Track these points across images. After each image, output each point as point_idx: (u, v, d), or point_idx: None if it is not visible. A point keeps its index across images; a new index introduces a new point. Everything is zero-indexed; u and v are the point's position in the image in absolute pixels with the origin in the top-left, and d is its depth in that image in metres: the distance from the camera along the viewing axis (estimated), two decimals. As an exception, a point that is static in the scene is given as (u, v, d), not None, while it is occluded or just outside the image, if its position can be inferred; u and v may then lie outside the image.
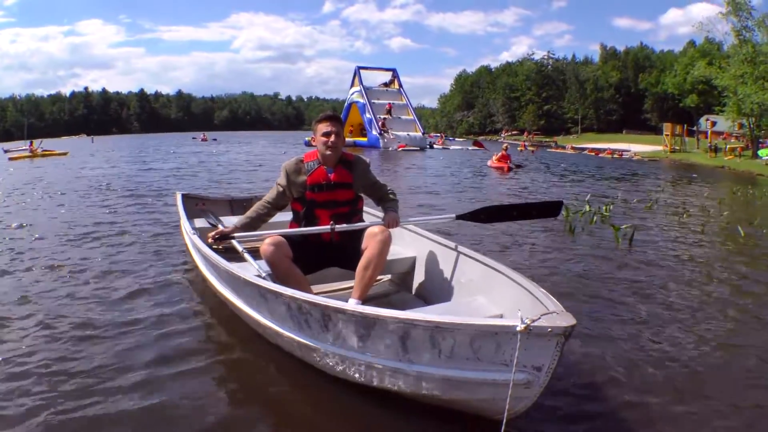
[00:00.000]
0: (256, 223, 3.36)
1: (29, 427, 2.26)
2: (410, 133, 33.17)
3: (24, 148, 26.64)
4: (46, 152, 24.19)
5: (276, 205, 3.36)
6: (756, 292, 4.33)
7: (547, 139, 55.83)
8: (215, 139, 44.60)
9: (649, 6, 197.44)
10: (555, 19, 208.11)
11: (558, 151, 38.48)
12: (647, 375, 2.85)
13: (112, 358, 2.90)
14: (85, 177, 13.55)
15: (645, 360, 3.02)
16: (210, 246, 3.43)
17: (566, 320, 1.91)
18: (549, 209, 3.91)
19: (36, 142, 25.58)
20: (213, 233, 3.30)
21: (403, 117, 35.51)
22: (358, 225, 3.29)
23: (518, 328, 1.86)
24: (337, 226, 3.19)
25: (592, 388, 2.70)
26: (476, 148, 19.01)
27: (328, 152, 3.20)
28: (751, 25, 28.82)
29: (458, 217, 3.65)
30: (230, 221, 4.11)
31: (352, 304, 2.58)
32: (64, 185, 11.66)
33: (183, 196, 5.38)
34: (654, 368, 2.92)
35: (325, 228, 3.19)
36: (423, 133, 34.92)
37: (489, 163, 19.37)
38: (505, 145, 20.55)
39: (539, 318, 1.89)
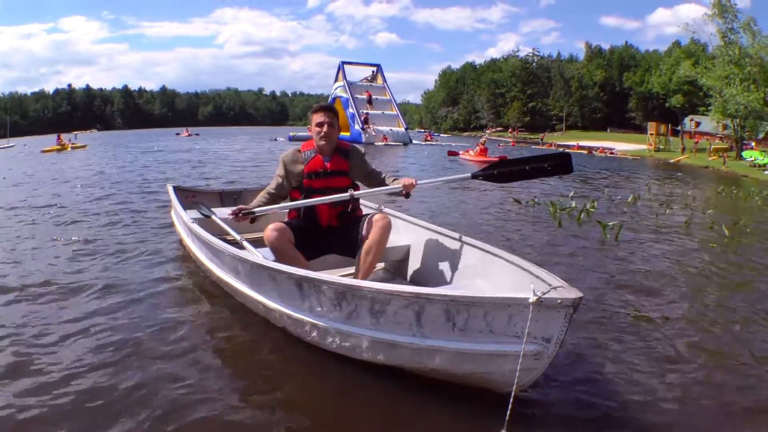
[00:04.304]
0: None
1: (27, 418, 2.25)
2: (393, 128, 33.50)
3: (7, 146, 29.75)
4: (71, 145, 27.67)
5: (277, 195, 3.43)
6: (736, 287, 4.44)
7: (533, 136, 56.05)
8: (197, 134, 45.05)
9: (637, 5, 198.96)
10: (543, 17, 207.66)
11: (541, 147, 38.48)
12: (634, 364, 2.92)
13: (110, 348, 2.88)
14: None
15: (632, 350, 3.10)
16: (211, 234, 3.47)
17: (574, 293, 2.00)
18: (560, 164, 3.68)
19: (64, 136, 29.52)
20: (235, 209, 3.26)
21: (387, 112, 35.61)
22: (377, 189, 3.42)
23: (531, 300, 1.93)
24: (355, 192, 3.30)
25: (584, 378, 2.75)
26: (451, 156, 19.04)
27: (322, 142, 3.28)
28: (737, 27, 29.00)
29: (473, 176, 3.62)
30: (222, 212, 4.14)
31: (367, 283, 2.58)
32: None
33: (175, 188, 5.40)
34: (640, 358, 3.00)
35: (344, 195, 3.26)
36: (406, 129, 35.21)
37: (463, 156, 19.44)
38: (483, 139, 20.62)
39: (549, 291, 1.97)
